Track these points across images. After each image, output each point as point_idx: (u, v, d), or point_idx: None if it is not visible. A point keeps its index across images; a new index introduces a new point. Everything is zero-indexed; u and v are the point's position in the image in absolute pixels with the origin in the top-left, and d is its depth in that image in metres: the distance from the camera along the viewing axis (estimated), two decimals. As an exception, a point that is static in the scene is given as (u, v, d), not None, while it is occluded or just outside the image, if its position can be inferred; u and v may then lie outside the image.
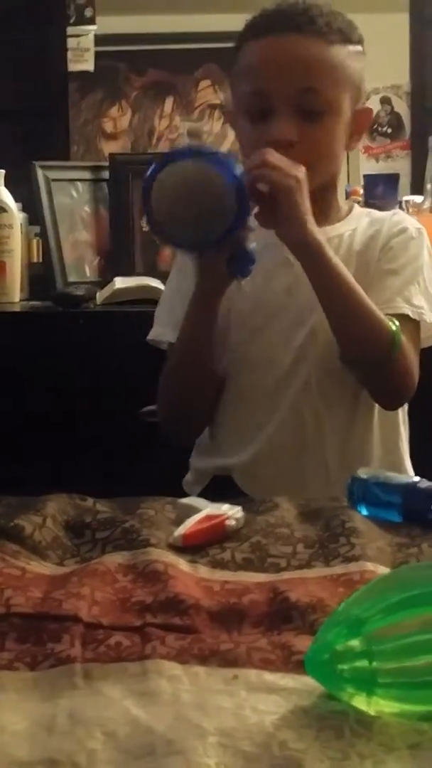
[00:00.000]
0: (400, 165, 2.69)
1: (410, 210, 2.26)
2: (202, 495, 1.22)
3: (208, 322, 1.42)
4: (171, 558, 0.96)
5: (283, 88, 1.40)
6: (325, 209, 1.49)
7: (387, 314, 1.41)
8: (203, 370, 1.46)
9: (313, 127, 1.41)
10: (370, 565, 0.95)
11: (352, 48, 1.44)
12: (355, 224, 1.52)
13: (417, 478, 1.16)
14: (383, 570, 0.95)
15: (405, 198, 2.39)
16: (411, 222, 1.54)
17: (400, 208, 2.32)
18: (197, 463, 1.55)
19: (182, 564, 0.96)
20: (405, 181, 2.57)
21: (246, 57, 1.46)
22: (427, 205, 2.14)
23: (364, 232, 1.51)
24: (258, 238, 1.43)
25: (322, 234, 1.39)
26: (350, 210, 1.56)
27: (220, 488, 1.43)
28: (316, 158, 1.41)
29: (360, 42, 1.46)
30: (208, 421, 1.52)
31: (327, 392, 1.46)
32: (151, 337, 1.55)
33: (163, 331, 1.52)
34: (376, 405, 1.48)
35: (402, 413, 1.54)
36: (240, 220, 1.29)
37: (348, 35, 1.44)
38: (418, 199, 2.24)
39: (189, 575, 0.94)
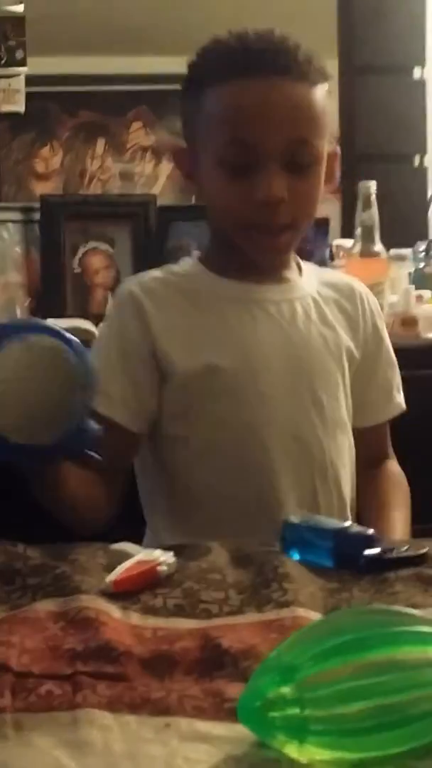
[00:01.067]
0: (330, 209, 2.72)
1: (341, 254, 2.29)
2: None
3: (60, 497, 1.24)
4: (102, 605, 0.96)
5: (273, 140, 1.27)
6: (288, 262, 1.43)
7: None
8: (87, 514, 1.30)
9: (301, 181, 1.30)
10: (301, 611, 0.95)
11: (325, 86, 1.33)
12: (313, 278, 1.46)
13: (348, 523, 1.16)
14: (315, 615, 0.95)
15: (335, 242, 2.42)
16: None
17: (330, 252, 2.35)
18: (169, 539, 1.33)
19: (114, 611, 0.95)
20: (335, 226, 2.60)
21: (222, 100, 1.30)
22: (356, 249, 2.17)
23: (338, 292, 1.46)
24: (228, 293, 1.37)
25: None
26: (298, 262, 1.46)
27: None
28: (305, 216, 1.34)
29: (328, 78, 1.35)
30: (107, 517, 1.34)
31: (336, 475, 1.38)
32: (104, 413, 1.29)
33: (114, 410, 1.32)
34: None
35: None
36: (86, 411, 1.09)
37: (324, 72, 1.33)
38: (348, 243, 2.27)
39: (120, 622, 0.93)
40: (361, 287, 1.51)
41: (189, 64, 1.37)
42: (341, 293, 1.46)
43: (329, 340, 1.40)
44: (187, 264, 1.46)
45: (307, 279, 1.45)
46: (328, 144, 1.36)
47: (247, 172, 1.29)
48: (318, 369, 1.38)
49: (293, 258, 1.45)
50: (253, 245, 1.35)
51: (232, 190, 1.30)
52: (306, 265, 1.48)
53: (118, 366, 1.35)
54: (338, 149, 1.45)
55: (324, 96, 1.33)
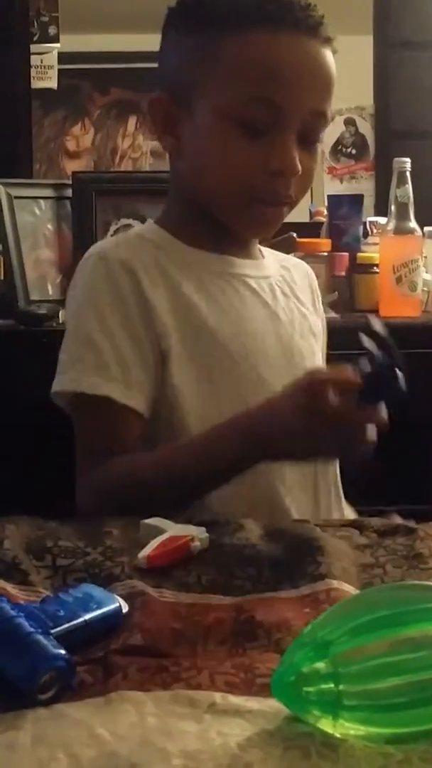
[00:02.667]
0: (364, 186, 2.71)
1: (374, 231, 2.28)
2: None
3: (239, 471, 1.15)
4: (135, 581, 0.96)
5: (300, 105, 1.17)
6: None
7: None
8: (198, 493, 1.17)
9: (309, 157, 1.22)
10: (335, 583, 0.94)
11: None
12: (273, 257, 1.40)
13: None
14: (349, 588, 0.94)
15: (369, 219, 2.41)
16: None
17: (364, 229, 2.34)
18: None
19: (147, 587, 0.95)
20: (369, 202, 2.59)
21: (246, 51, 1.16)
22: (391, 226, 2.15)
23: (295, 271, 1.41)
24: (208, 264, 1.28)
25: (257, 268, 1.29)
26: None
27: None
28: (303, 192, 1.26)
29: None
30: None
31: None
32: (94, 392, 1.19)
33: (114, 388, 1.20)
34: None
35: None
36: None
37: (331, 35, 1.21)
38: (382, 220, 2.26)
39: (154, 599, 0.93)
40: (312, 275, 1.45)
41: (183, 2, 1.23)
42: (298, 273, 1.40)
43: (308, 318, 1.35)
44: (148, 231, 1.31)
45: (270, 258, 1.38)
46: None
47: (261, 136, 1.18)
48: (308, 350, 1.32)
49: None
50: (248, 216, 1.24)
51: (244, 152, 1.18)
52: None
53: (123, 337, 1.21)
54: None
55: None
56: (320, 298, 1.45)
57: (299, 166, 1.19)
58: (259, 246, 1.38)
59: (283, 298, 1.33)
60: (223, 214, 1.26)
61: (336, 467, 1.38)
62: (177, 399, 1.20)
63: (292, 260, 1.45)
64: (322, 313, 1.44)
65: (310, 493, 1.32)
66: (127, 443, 1.18)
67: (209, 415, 1.20)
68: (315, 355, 1.34)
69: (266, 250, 1.41)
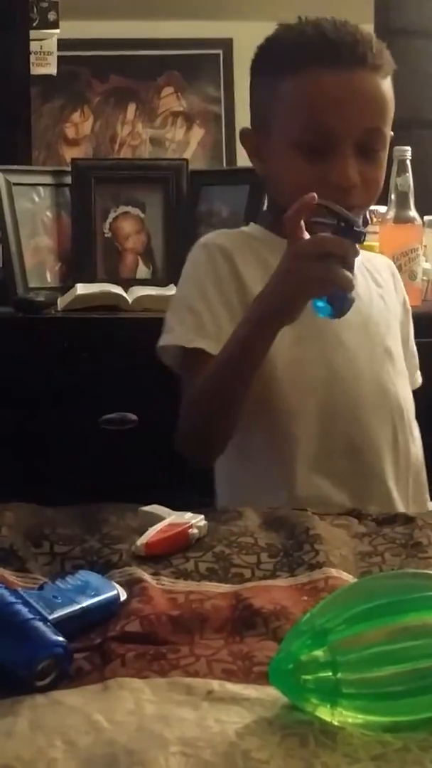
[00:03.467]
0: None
1: (374, 220, 2.27)
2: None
3: (266, 348, 1.28)
4: (133, 569, 0.96)
5: (349, 126, 1.34)
6: None
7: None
8: (243, 395, 1.31)
9: (371, 168, 1.37)
10: (334, 572, 0.95)
11: (391, 79, 1.40)
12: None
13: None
14: (347, 577, 0.95)
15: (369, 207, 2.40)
16: None
17: (364, 218, 2.33)
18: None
19: (145, 574, 0.95)
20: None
21: (301, 87, 1.36)
22: (391, 215, 2.15)
23: (378, 265, 1.56)
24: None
25: None
26: None
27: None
28: (372, 197, 1.40)
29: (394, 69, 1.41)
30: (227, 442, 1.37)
31: (409, 418, 1.45)
32: (192, 345, 1.37)
33: (208, 343, 1.36)
34: None
35: None
36: None
37: (392, 65, 1.40)
38: (382, 209, 2.25)
39: (152, 585, 0.93)
40: (393, 266, 1.61)
41: (259, 51, 1.43)
42: (380, 264, 1.57)
43: (386, 299, 1.51)
44: (248, 228, 1.52)
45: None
46: None
47: (322, 156, 1.35)
48: (384, 323, 1.48)
49: None
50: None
51: (307, 172, 1.35)
52: None
53: (204, 300, 1.39)
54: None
55: (391, 86, 1.39)
56: (404, 294, 1.59)
57: (354, 178, 1.35)
58: None
59: (363, 280, 1.47)
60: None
61: (412, 418, 1.46)
62: (270, 360, 1.33)
63: (376, 257, 1.63)
64: (402, 297, 1.58)
65: (390, 437, 1.43)
66: None
67: (298, 376, 1.38)
68: (390, 327, 1.49)
69: None
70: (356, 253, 1.19)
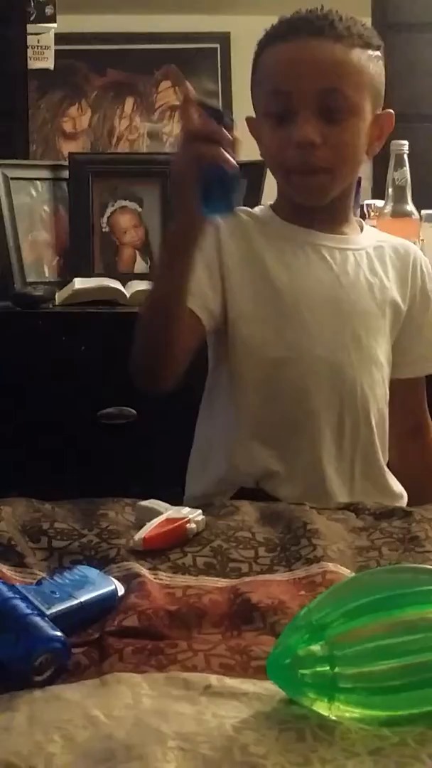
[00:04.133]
0: (363, 169, 2.69)
1: (371, 214, 2.27)
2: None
3: (180, 268, 1.35)
4: (131, 563, 0.96)
5: (306, 88, 1.41)
6: (346, 216, 1.54)
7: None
8: (172, 318, 1.39)
9: (336, 129, 1.42)
10: (331, 566, 0.95)
11: (371, 53, 1.45)
12: (372, 239, 1.57)
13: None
14: (345, 571, 0.95)
15: (366, 202, 2.40)
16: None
17: (362, 212, 2.33)
18: (219, 471, 1.48)
19: (143, 569, 0.95)
20: (366, 185, 2.57)
21: (267, 60, 1.46)
22: (388, 209, 2.14)
23: (392, 251, 1.56)
24: (293, 235, 1.49)
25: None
26: (360, 224, 1.59)
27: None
28: (340, 161, 1.43)
29: (379, 48, 1.47)
30: (178, 373, 1.42)
31: (365, 402, 1.47)
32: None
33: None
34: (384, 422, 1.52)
35: None
36: None
37: (367, 40, 1.45)
38: (379, 203, 2.25)
39: (150, 580, 0.93)
40: (418, 252, 1.62)
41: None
42: (395, 252, 1.58)
43: (375, 286, 1.52)
44: (259, 209, 1.58)
45: (365, 237, 1.57)
46: (378, 106, 1.47)
47: (287, 121, 1.42)
48: (359, 309, 1.49)
49: (352, 218, 1.57)
50: (293, 187, 1.47)
51: (275, 137, 1.44)
52: (369, 228, 1.62)
53: (201, 272, 1.44)
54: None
55: (367, 60, 1.44)
56: (426, 279, 1.59)
57: (311, 136, 1.40)
58: (362, 226, 1.59)
59: (354, 265, 1.51)
60: (282, 190, 1.51)
61: (369, 403, 1.48)
62: (239, 322, 1.46)
63: (398, 241, 1.61)
64: (420, 286, 1.58)
65: (335, 416, 1.46)
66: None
67: (253, 349, 1.46)
68: (369, 316, 1.50)
69: (373, 231, 1.62)
70: (226, 137, 1.25)
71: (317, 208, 1.50)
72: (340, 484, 1.45)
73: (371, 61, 1.45)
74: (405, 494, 1.51)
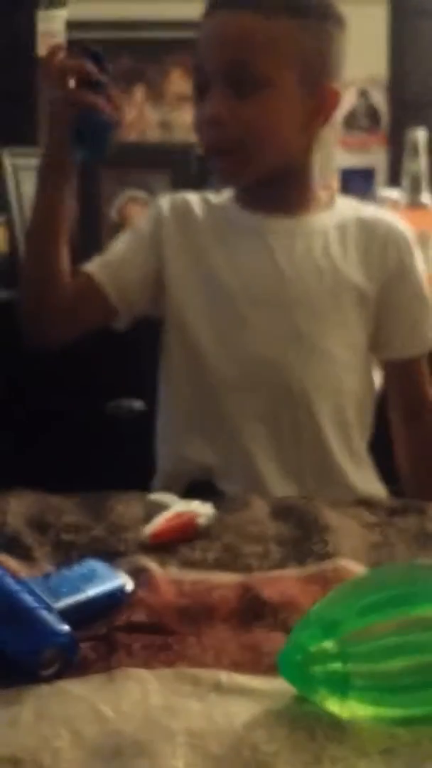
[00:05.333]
0: (377, 158, 2.68)
1: (387, 205, 2.26)
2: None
3: (52, 203, 1.40)
4: (140, 558, 0.95)
5: (213, 62, 1.38)
6: (300, 198, 1.47)
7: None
8: (46, 250, 1.42)
9: (246, 104, 1.36)
10: (343, 562, 0.94)
11: (306, 22, 1.37)
12: (340, 216, 1.49)
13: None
14: (357, 567, 0.94)
15: (381, 192, 2.39)
16: (407, 229, 1.53)
17: (376, 202, 2.32)
18: (167, 464, 1.51)
19: (152, 564, 0.94)
20: (381, 175, 2.56)
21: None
22: (403, 199, 2.13)
23: (359, 229, 1.48)
24: (240, 221, 1.46)
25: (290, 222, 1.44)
26: (332, 199, 1.52)
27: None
28: (254, 138, 1.37)
29: (325, 18, 1.39)
30: (64, 321, 1.49)
31: (307, 398, 1.43)
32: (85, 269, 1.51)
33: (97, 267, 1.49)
34: (357, 417, 1.48)
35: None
36: None
37: (300, 9, 1.38)
38: (394, 193, 2.24)
39: (159, 575, 0.92)
40: (392, 226, 1.52)
41: None
42: (362, 229, 1.49)
43: (325, 271, 1.45)
44: (222, 194, 1.54)
45: (331, 214, 1.49)
46: (316, 80, 1.39)
47: (205, 95, 1.39)
48: (302, 298, 1.43)
49: (317, 195, 1.49)
50: (212, 166, 1.45)
51: (197, 115, 1.42)
52: (345, 202, 1.54)
53: (122, 244, 1.50)
54: (338, 89, 1.43)
55: (293, 30, 1.37)
56: (402, 255, 1.51)
57: (215, 111, 1.36)
58: (331, 197, 1.53)
59: (303, 252, 1.45)
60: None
61: (313, 400, 1.44)
62: (175, 312, 1.47)
63: (373, 217, 1.52)
64: (397, 262, 1.49)
65: (268, 414, 1.44)
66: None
67: (195, 327, 1.46)
68: (316, 304, 1.44)
69: (349, 207, 1.52)
70: (105, 83, 1.32)
71: (268, 190, 1.44)
72: (283, 482, 1.41)
73: (302, 32, 1.37)
74: (379, 492, 1.46)
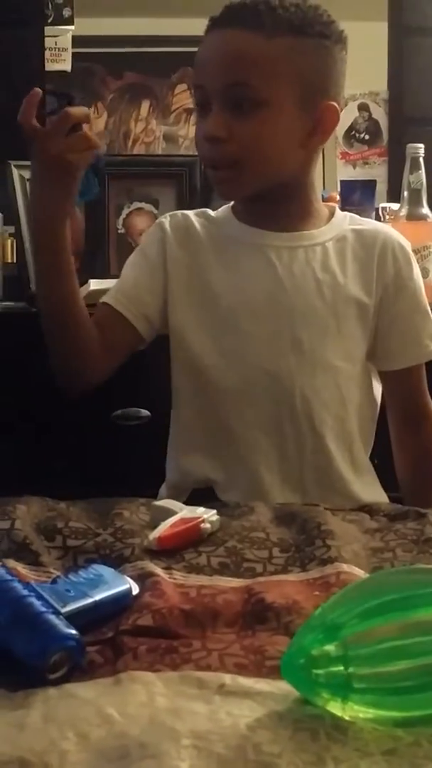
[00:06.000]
0: (377, 171, 2.69)
1: (387, 217, 2.27)
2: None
3: (53, 253, 1.42)
4: (146, 563, 0.96)
5: (212, 82, 1.39)
6: (300, 212, 1.48)
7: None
8: (61, 312, 1.45)
9: (244, 123, 1.37)
10: (345, 567, 0.95)
11: (307, 41, 1.37)
12: (339, 229, 1.50)
13: None
14: (359, 572, 0.94)
15: (382, 205, 2.40)
16: (404, 240, 1.53)
17: (377, 215, 2.33)
18: (173, 477, 1.51)
19: (157, 568, 0.95)
20: (382, 188, 2.57)
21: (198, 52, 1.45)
22: (403, 212, 2.14)
23: (356, 241, 1.49)
24: (240, 236, 1.47)
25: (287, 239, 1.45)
26: (332, 214, 1.52)
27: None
28: (251, 155, 1.38)
29: (326, 37, 1.39)
30: (100, 371, 1.49)
31: (309, 410, 1.44)
32: (102, 300, 1.53)
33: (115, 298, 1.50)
34: (359, 426, 1.49)
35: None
36: None
37: (301, 28, 1.37)
38: (395, 206, 2.25)
39: (164, 579, 0.93)
40: (389, 237, 1.52)
41: None
42: (361, 243, 1.50)
43: (324, 284, 1.46)
44: (221, 210, 1.55)
45: (331, 228, 1.50)
46: (315, 98, 1.39)
47: (205, 114, 1.41)
48: (302, 310, 1.44)
49: (317, 209, 1.50)
50: (211, 182, 1.48)
51: (198, 131, 1.44)
52: (342, 215, 1.53)
53: (133, 270, 1.52)
54: (338, 104, 1.42)
55: (293, 49, 1.37)
56: (399, 265, 1.51)
57: (215, 131, 1.38)
58: (332, 216, 1.52)
59: (303, 264, 1.46)
60: None
61: (314, 409, 1.44)
62: (178, 329, 1.48)
63: (370, 229, 1.53)
64: (393, 275, 1.50)
65: (272, 425, 1.44)
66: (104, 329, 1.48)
67: (198, 343, 1.46)
68: (315, 315, 1.45)
69: (346, 220, 1.52)
70: (72, 116, 1.32)
71: (268, 205, 1.45)
72: (285, 492, 1.41)
73: (303, 50, 1.37)
74: (382, 500, 1.46)
